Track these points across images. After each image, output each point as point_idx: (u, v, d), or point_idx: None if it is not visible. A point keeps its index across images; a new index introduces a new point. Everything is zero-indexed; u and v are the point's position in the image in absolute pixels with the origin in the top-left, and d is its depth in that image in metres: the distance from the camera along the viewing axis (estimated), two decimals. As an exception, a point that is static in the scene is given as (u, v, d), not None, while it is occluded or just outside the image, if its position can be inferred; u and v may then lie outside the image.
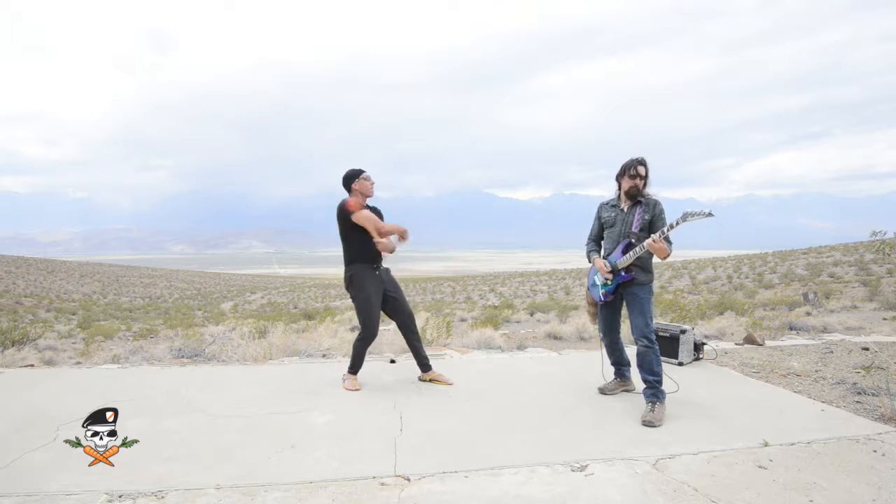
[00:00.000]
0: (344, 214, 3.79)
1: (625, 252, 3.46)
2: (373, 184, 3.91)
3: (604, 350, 3.88)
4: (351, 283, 3.88)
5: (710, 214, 3.01)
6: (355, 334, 4.01)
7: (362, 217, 3.77)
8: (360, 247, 3.85)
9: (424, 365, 4.11)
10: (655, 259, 3.46)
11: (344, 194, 3.91)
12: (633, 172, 3.45)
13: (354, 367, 3.98)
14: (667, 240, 3.25)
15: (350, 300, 4.02)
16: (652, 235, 3.26)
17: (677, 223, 3.13)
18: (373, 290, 3.85)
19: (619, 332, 3.82)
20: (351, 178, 3.88)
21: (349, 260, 3.89)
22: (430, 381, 4.08)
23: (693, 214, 3.05)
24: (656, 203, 3.47)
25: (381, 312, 4.01)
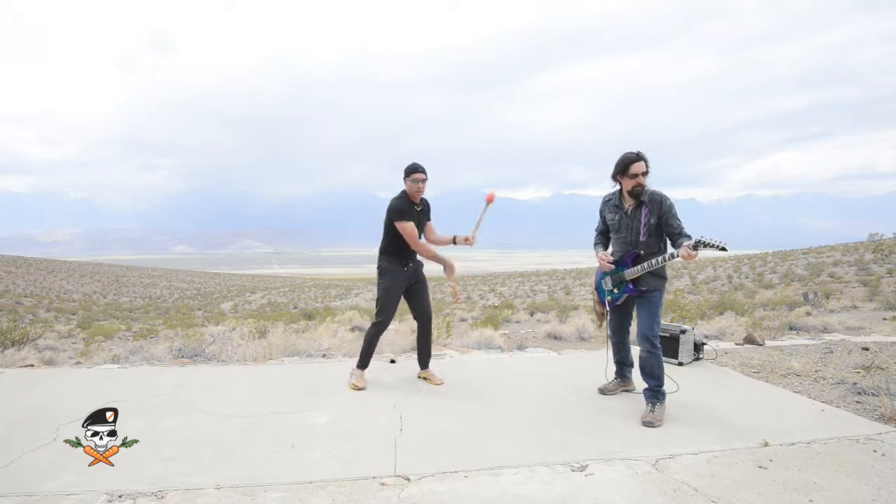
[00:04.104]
0: (389, 213, 3.86)
1: (634, 263, 3.37)
2: (420, 189, 3.84)
3: (610, 348, 3.86)
4: (378, 271, 4.00)
5: (723, 249, 2.91)
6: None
7: (404, 228, 3.80)
8: (393, 242, 3.93)
9: (424, 361, 4.18)
10: None
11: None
12: (633, 172, 3.24)
13: (364, 361, 4.01)
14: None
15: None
16: (685, 245, 3.02)
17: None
18: (396, 282, 3.94)
19: (628, 333, 3.78)
20: (405, 173, 3.88)
21: (381, 250, 4.00)
22: (424, 378, 4.15)
23: (706, 244, 2.94)
24: (662, 200, 3.26)
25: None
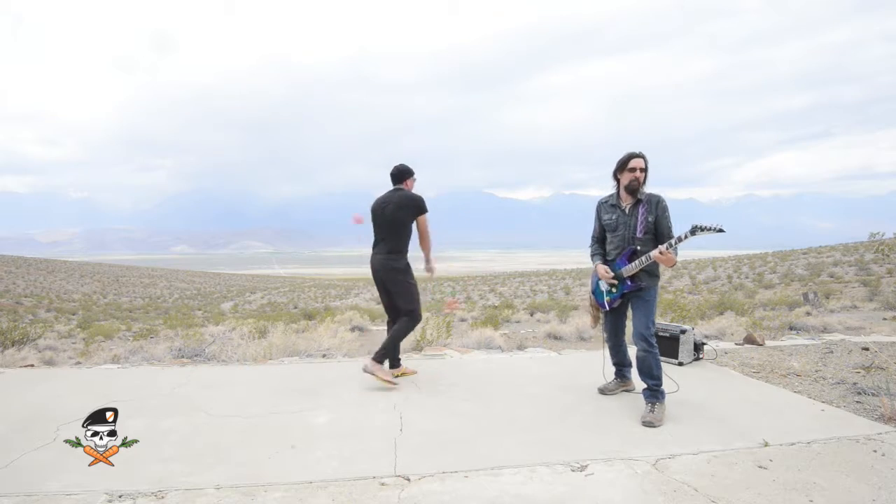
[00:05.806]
0: (421, 208, 3.98)
1: (630, 260, 3.39)
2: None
3: (606, 351, 3.87)
4: (406, 270, 4.06)
5: (720, 230, 2.92)
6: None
7: (427, 220, 4.03)
8: (409, 239, 4.05)
9: (397, 360, 4.29)
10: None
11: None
12: (631, 166, 3.34)
13: (390, 356, 4.12)
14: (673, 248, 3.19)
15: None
16: (659, 247, 3.18)
17: (686, 236, 3.06)
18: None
19: (623, 335, 3.78)
20: (408, 174, 4.11)
21: (403, 249, 4.06)
22: (402, 374, 4.23)
23: (703, 229, 2.96)
24: (659, 200, 3.36)
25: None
